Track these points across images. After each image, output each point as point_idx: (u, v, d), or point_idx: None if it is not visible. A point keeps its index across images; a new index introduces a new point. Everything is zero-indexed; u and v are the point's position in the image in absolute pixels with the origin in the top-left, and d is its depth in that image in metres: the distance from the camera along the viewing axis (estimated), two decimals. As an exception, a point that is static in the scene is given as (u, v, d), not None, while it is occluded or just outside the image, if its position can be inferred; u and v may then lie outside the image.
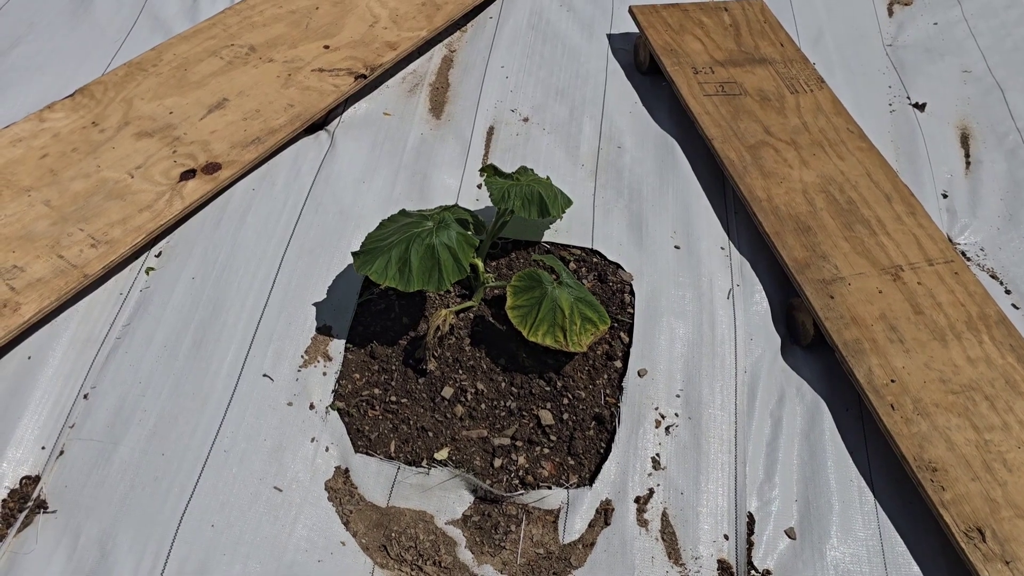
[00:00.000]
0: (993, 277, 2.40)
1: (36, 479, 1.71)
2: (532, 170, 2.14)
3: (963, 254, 2.45)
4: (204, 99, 2.29)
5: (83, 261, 1.90)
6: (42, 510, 1.65)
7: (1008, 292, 2.36)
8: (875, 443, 1.96)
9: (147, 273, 2.04)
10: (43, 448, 1.75)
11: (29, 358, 1.85)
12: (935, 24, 3.26)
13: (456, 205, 2.06)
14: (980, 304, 2.14)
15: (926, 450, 1.85)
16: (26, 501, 1.66)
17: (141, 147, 2.15)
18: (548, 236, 2.27)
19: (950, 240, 2.48)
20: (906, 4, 3.38)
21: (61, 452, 1.74)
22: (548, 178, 2.13)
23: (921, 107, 2.86)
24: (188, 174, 2.11)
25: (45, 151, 2.11)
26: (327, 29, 2.57)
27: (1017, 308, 2.32)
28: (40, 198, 2.00)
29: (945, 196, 2.60)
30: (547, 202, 1.98)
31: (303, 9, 2.62)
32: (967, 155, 2.76)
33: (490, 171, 2.08)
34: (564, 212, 2.19)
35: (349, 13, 2.64)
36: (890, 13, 3.32)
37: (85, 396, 1.82)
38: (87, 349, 1.89)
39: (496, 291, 2.11)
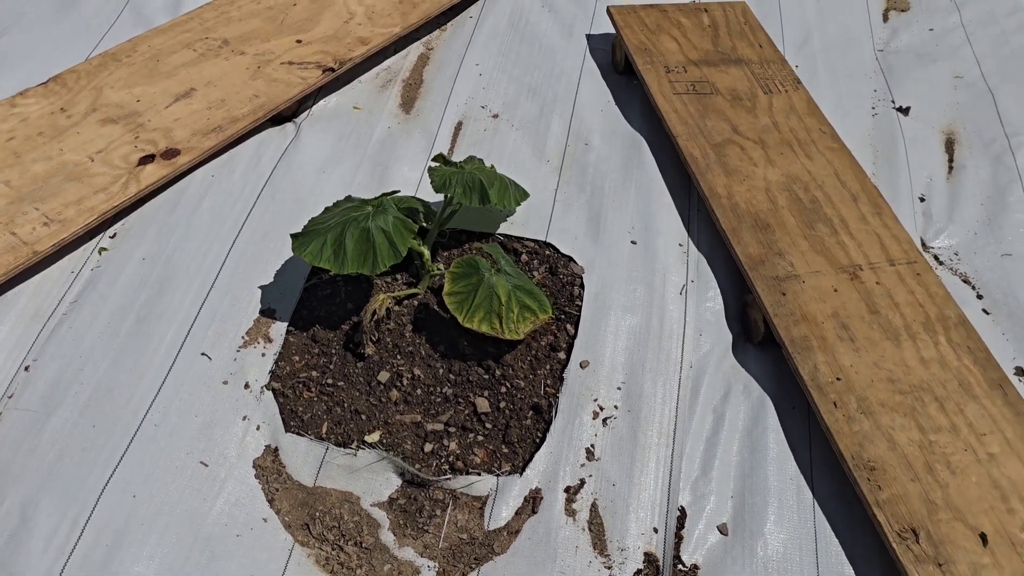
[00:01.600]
0: (965, 282, 2.34)
1: (-31, 445, 1.75)
2: (481, 160, 2.15)
3: (936, 258, 2.40)
4: (172, 88, 2.36)
5: (35, 238, 1.96)
6: (-29, 475, 1.69)
7: (980, 297, 2.30)
8: (819, 443, 1.92)
9: (100, 253, 2.09)
10: (-20, 416, 1.80)
11: (-25, 330, 1.91)
12: (931, 30, 3.20)
13: (396, 191, 2.08)
14: (940, 306, 2.09)
15: (866, 449, 1.81)
16: (-43, 465, 1.71)
17: (105, 132, 2.22)
18: (504, 228, 2.27)
19: (923, 243, 2.43)
20: (902, 10, 3.33)
21: (-3, 420, 1.78)
22: (493, 167, 2.14)
23: (905, 111, 2.81)
24: (147, 159, 2.17)
25: (12, 134, 2.18)
26: (302, 24, 2.62)
27: (988, 313, 2.26)
28: (1, 178, 2.07)
29: (922, 200, 2.54)
30: (488, 190, 1.99)
31: (280, 5, 2.68)
32: (951, 160, 2.70)
33: (441, 160, 2.10)
34: (519, 204, 2.19)
35: (326, 9, 2.69)
36: (885, 19, 3.28)
37: (26, 368, 1.87)
38: (34, 323, 1.95)
39: (443, 280, 2.12)
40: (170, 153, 2.19)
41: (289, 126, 2.47)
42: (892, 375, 1.94)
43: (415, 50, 2.81)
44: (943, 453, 1.81)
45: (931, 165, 2.65)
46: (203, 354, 1.92)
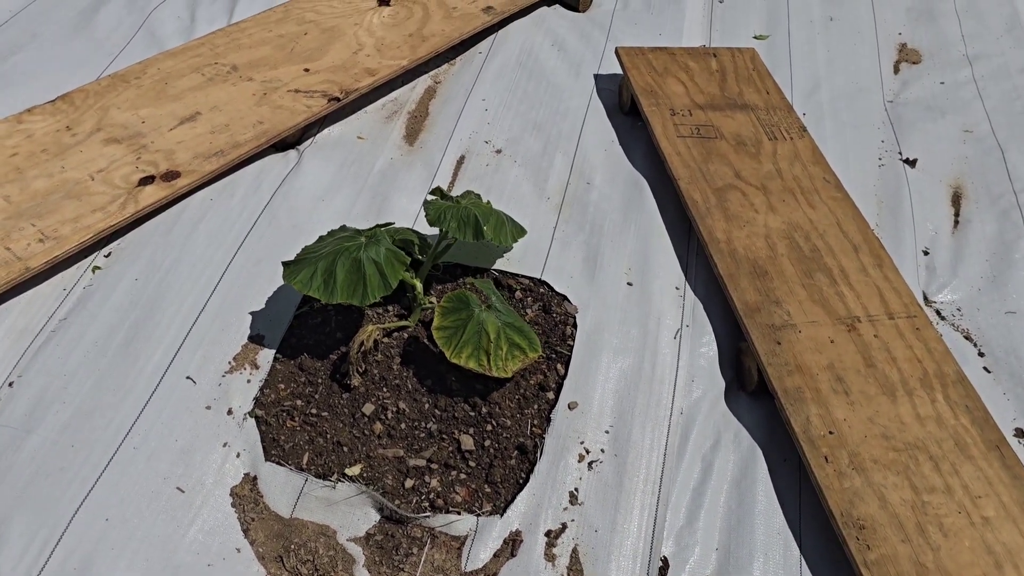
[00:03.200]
0: (967, 338, 2.30)
1: (-54, 460, 1.74)
2: (479, 195, 2.14)
3: (938, 313, 2.36)
4: (178, 111, 2.37)
5: (28, 254, 1.97)
6: (-54, 490, 1.68)
7: (981, 355, 2.26)
8: (809, 497, 1.87)
9: (93, 272, 2.09)
10: (-40, 431, 1.79)
11: (-37, 343, 1.91)
12: (941, 83, 3.20)
13: (391, 223, 2.07)
14: (939, 362, 2.05)
15: (856, 506, 1.76)
16: (-68, 480, 1.69)
17: (107, 152, 2.23)
18: (500, 264, 2.26)
19: (925, 297, 2.40)
20: (914, 63, 3.33)
21: (-24, 436, 1.77)
22: (489, 203, 2.13)
23: (912, 163, 2.79)
24: (147, 180, 2.18)
25: (16, 150, 2.20)
26: (311, 54, 2.65)
27: (989, 372, 2.21)
28: (1, 193, 2.08)
29: (926, 253, 2.52)
30: (482, 225, 1.98)
31: (291, 34, 2.71)
32: (957, 214, 2.68)
33: (437, 194, 2.09)
34: (515, 241, 2.18)
35: (336, 40, 2.71)
36: (896, 70, 3.27)
37: (10, 384, 1.86)
38: (21, 339, 1.94)
39: (434, 314, 2.10)
40: (170, 175, 2.20)
41: (292, 153, 2.48)
42: (886, 431, 1.90)
43: (422, 83, 2.83)
44: (936, 515, 1.76)
45: (937, 218, 2.62)
46: (188, 378, 1.91)
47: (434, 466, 1.88)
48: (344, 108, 2.62)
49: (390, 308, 2.11)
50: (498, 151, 2.62)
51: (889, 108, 3.04)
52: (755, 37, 3.29)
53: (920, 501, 1.78)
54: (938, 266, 2.48)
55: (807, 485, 1.88)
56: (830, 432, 1.88)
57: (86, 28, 2.82)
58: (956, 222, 2.65)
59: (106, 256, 2.14)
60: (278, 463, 1.83)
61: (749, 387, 2.06)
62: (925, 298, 2.40)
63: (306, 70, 2.58)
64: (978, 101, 3.11)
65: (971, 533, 1.74)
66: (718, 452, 1.95)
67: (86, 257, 2.12)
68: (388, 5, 2.91)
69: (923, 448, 1.88)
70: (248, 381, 1.94)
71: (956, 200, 2.72)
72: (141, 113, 2.36)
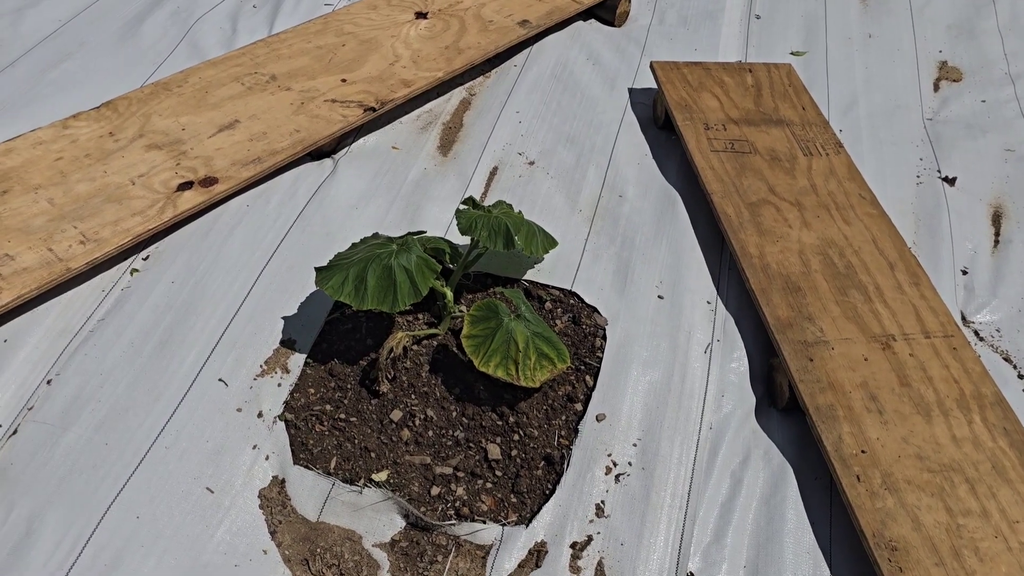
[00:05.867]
0: (1007, 360, 2.26)
1: (-15, 454, 1.78)
2: (510, 205, 2.15)
3: (976, 333, 2.32)
4: (217, 119, 2.42)
5: (70, 256, 2.01)
6: (-17, 484, 1.71)
7: (1021, 377, 2.22)
8: (840, 516, 1.85)
9: (131, 274, 2.13)
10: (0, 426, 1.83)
11: (4, 341, 1.95)
12: (983, 101, 3.15)
13: (423, 232, 2.08)
14: (976, 383, 2.01)
15: (888, 527, 1.73)
16: (-30, 474, 1.73)
17: (148, 158, 2.28)
18: (530, 275, 2.26)
19: (963, 317, 2.35)
20: (955, 80, 3.29)
21: (15, 431, 1.81)
22: (520, 213, 2.14)
23: (951, 181, 2.75)
24: (185, 185, 2.22)
25: (61, 154, 2.26)
26: (348, 65, 2.68)
27: (1029, 395, 2.17)
28: (45, 196, 2.14)
29: (965, 272, 2.47)
30: (514, 235, 1.98)
31: (330, 45, 2.75)
32: (997, 233, 2.63)
33: (469, 203, 2.11)
34: (547, 252, 2.18)
35: (373, 52, 2.75)
36: (936, 88, 3.23)
37: (48, 382, 1.90)
38: (61, 338, 1.98)
39: (464, 322, 2.10)
40: (208, 181, 2.24)
41: (327, 161, 2.51)
42: (921, 452, 1.86)
43: (458, 94, 2.85)
44: (971, 538, 1.72)
45: (976, 238, 2.58)
46: (220, 380, 1.93)
47: (460, 474, 1.88)
48: (380, 118, 2.65)
49: (420, 316, 2.12)
50: (531, 163, 2.63)
51: (928, 126, 3.00)
52: (792, 53, 3.27)
53: (955, 524, 1.74)
54: (977, 286, 2.43)
55: (838, 504, 1.85)
56: (862, 451, 1.85)
57: (132, 38, 2.88)
58: (996, 242, 2.60)
59: (144, 259, 2.18)
60: (306, 467, 1.85)
61: (780, 404, 2.04)
62: (963, 318, 2.36)
63: (343, 80, 2.61)
64: (1020, 120, 3.06)
65: (1008, 559, 1.70)
66: (748, 468, 1.93)
67: (125, 259, 2.16)
68: (425, 18, 2.94)
69: (959, 470, 1.84)
70: (279, 385, 1.96)
71: (996, 219, 2.68)
72: (182, 120, 2.41)
